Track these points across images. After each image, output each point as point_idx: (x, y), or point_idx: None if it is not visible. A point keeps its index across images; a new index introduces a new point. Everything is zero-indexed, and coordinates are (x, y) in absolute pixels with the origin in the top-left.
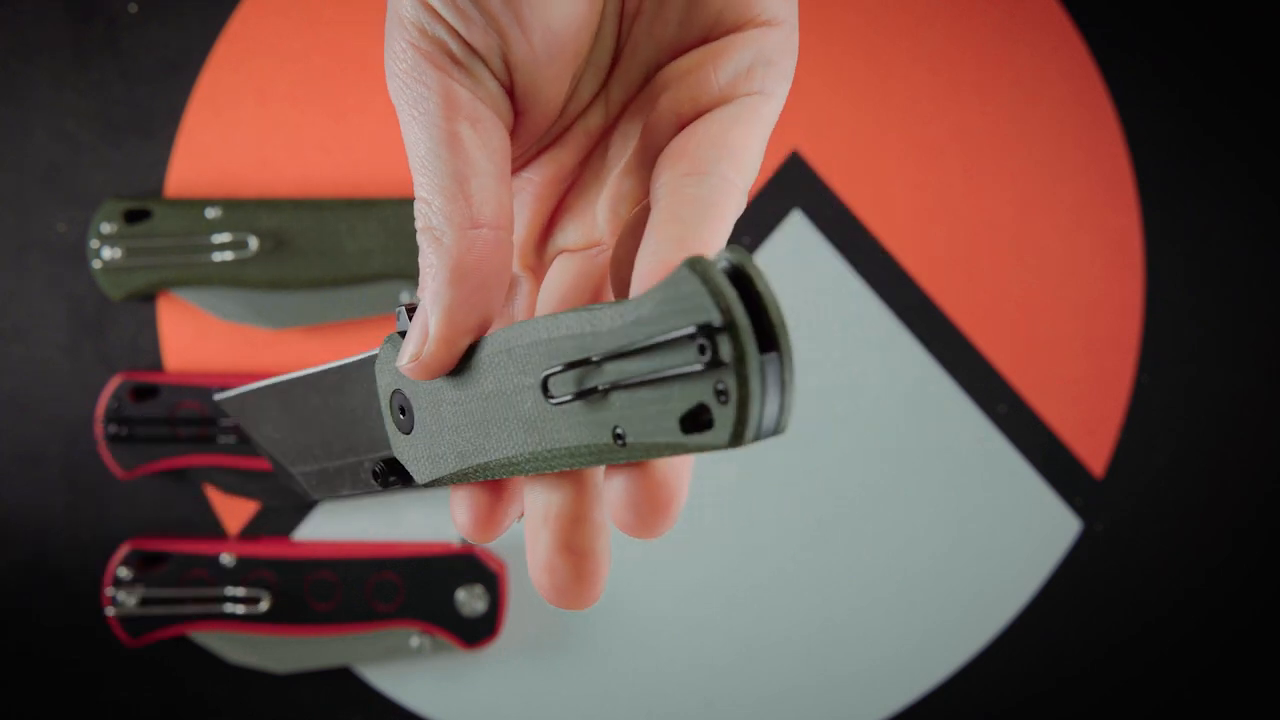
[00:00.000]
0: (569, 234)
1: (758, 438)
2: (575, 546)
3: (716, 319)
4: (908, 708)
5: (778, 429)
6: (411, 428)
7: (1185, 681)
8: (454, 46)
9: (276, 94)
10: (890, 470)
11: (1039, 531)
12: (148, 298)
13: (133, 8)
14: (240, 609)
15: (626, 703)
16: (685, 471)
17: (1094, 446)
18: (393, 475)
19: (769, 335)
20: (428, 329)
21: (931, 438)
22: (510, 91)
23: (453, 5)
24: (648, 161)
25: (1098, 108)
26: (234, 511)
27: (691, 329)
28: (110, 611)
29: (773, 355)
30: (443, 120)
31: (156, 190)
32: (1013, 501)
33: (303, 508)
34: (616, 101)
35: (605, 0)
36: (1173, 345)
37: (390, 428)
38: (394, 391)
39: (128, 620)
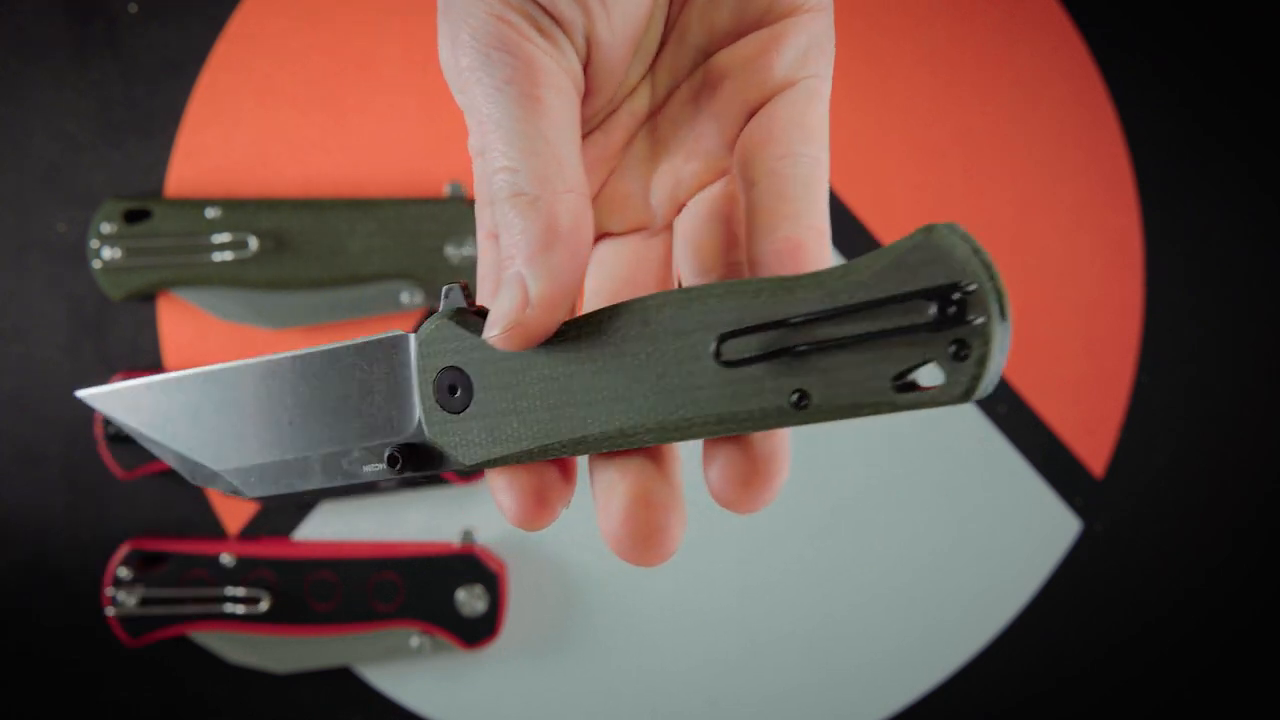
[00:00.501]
0: (613, 218)
1: (982, 396)
2: (655, 501)
3: (968, 281)
4: (908, 707)
5: (991, 391)
6: (465, 407)
7: (1185, 681)
8: (540, 18)
9: (276, 94)
10: (890, 470)
11: (1039, 531)
12: (148, 298)
13: (133, 8)
14: (240, 609)
15: (627, 702)
16: (787, 445)
17: (1094, 446)
18: (412, 461)
19: (1002, 302)
20: (527, 294)
21: (931, 438)
22: (584, 68)
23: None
24: (717, 147)
25: (1098, 108)
26: (234, 511)
27: (931, 290)
28: (110, 611)
29: (1007, 320)
30: (530, 86)
31: (156, 190)
32: (1013, 501)
33: (303, 508)
34: (663, 85)
35: None
36: (1173, 345)
37: (428, 409)
38: (443, 370)
39: (128, 620)
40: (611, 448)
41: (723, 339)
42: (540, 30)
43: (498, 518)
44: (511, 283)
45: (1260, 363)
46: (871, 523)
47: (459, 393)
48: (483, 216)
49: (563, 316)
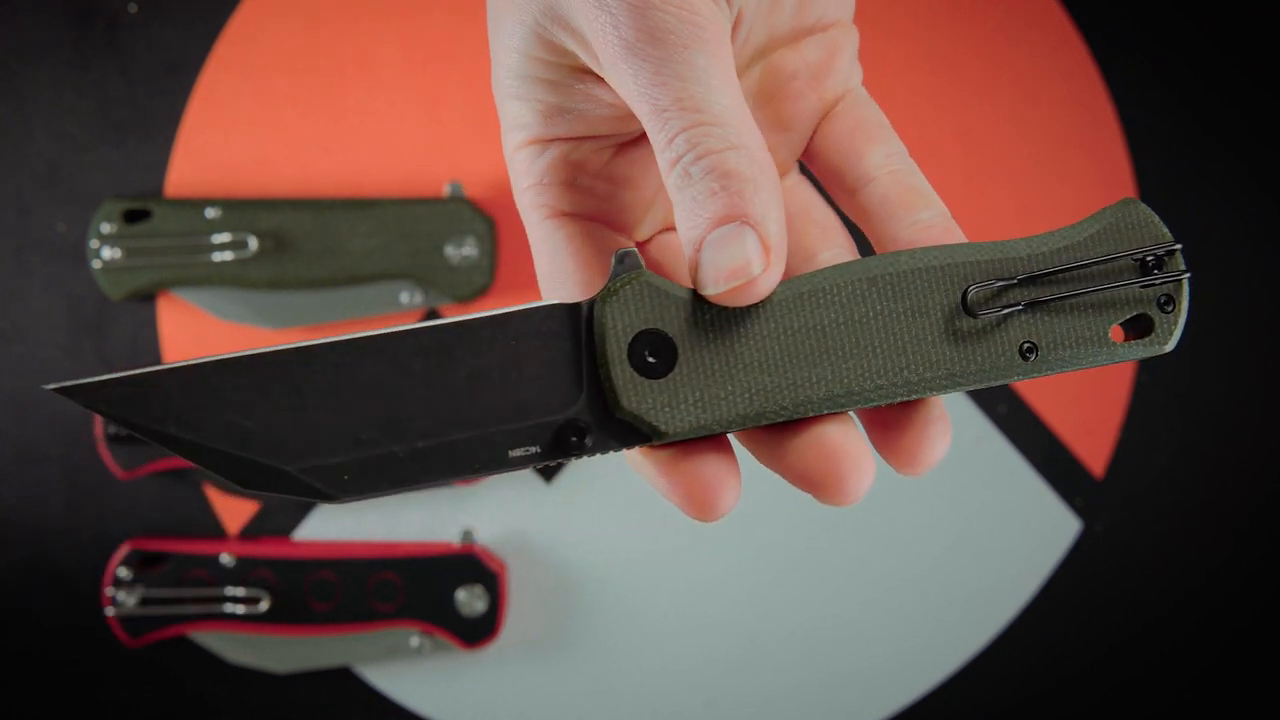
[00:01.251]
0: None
1: (1177, 346)
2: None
3: (1169, 242)
4: (908, 707)
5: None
6: (668, 372)
7: (1185, 681)
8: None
9: (276, 94)
10: (890, 470)
11: (1039, 531)
12: (148, 298)
13: (133, 8)
14: (240, 609)
15: (627, 702)
16: (945, 413)
17: (1094, 446)
18: (599, 437)
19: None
20: (766, 241)
21: None
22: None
23: None
24: (791, 140)
25: (1098, 108)
26: (234, 511)
27: (1143, 251)
28: (110, 611)
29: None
30: (718, 50)
31: (156, 190)
32: (1013, 501)
33: (302, 508)
34: None
35: None
36: None
37: (621, 376)
38: (641, 334)
39: (128, 620)
40: (833, 409)
41: (965, 295)
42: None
43: (498, 518)
44: (737, 235)
45: (1260, 363)
46: (871, 523)
47: (660, 358)
48: (545, 197)
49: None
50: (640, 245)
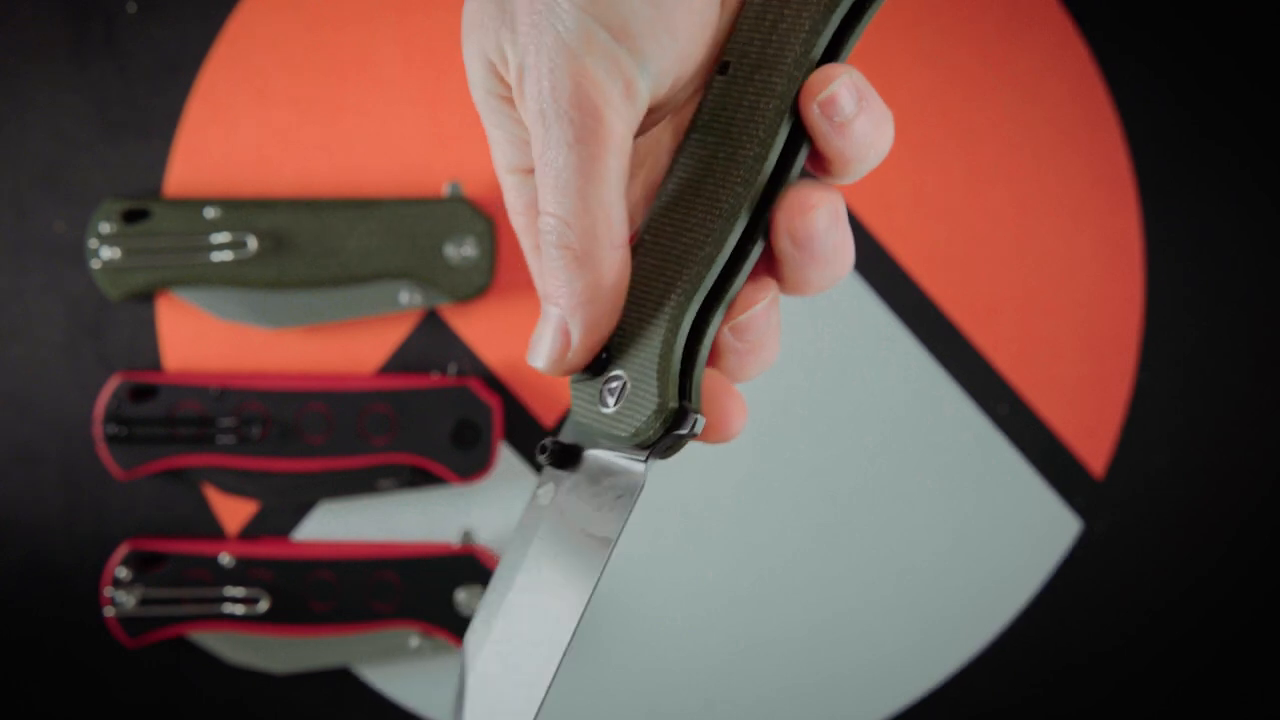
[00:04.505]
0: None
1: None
2: None
3: None
4: (908, 708)
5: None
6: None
7: (1185, 681)
8: (628, 66)
9: (276, 94)
10: (890, 470)
11: (1039, 531)
12: (147, 298)
13: (132, 8)
14: (239, 609)
15: (626, 702)
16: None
17: (1094, 446)
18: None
19: None
20: (570, 340)
21: (931, 438)
22: (652, 107)
23: (631, 42)
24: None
25: (1098, 108)
26: (233, 511)
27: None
28: (109, 612)
29: None
30: (601, 153)
31: (155, 190)
32: (1013, 501)
33: (302, 508)
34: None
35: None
36: (1173, 345)
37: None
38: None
39: (127, 621)
40: None
41: None
42: (625, 87)
43: (498, 518)
44: (556, 326)
45: (1260, 363)
46: (871, 523)
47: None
48: (530, 231)
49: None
50: None
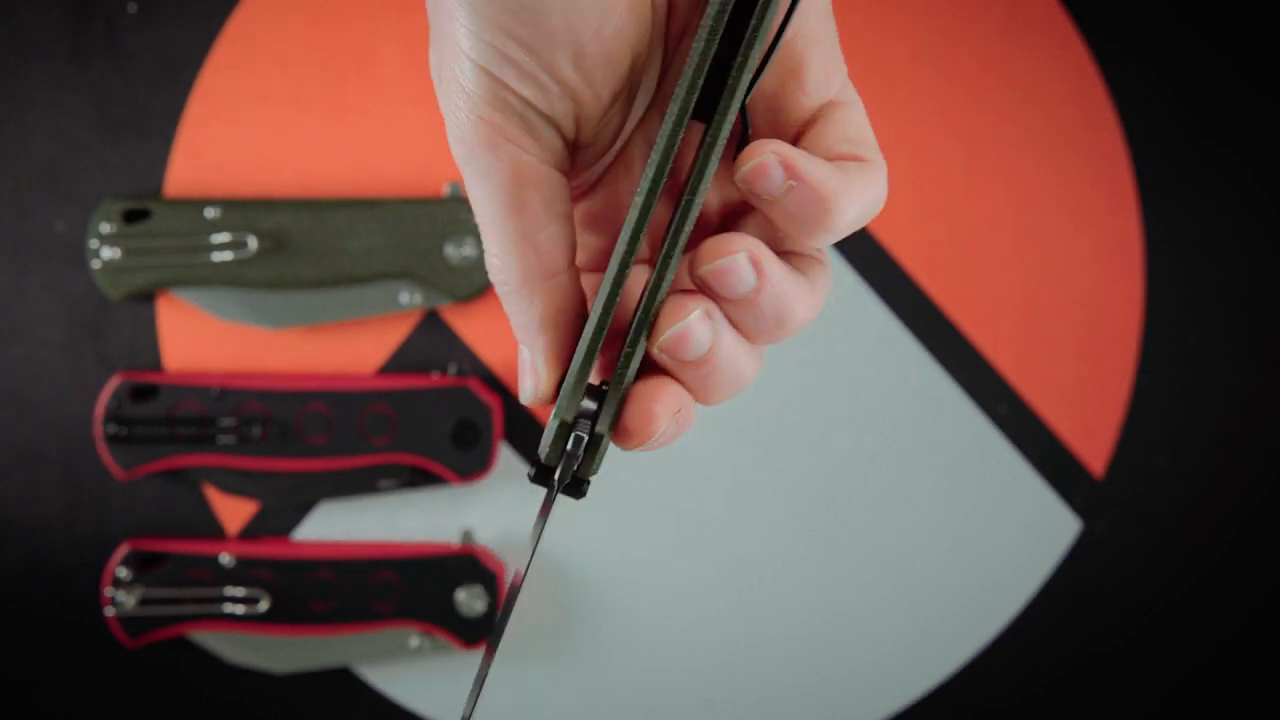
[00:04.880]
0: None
1: None
2: None
3: None
4: (908, 707)
5: None
6: None
7: (1185, 681)
8: (529, 116)
9: (276, 94)
10: (890, 470)
11: (1039, 531)
12: (147, 298)
13: (132, 8)
14: (239, 609)
15: (626, 703)
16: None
17: (1094, 446)
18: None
19: None
20: (538, 373)
21: (931, 438)
22: (575, 142)
23: (527, 77)
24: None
25: (1098, 108)
26: (233, 511)
27: None
28: (109, 612)
29: None
30: (512, 186)
31: (156, 190)
32: (1012, 501)
33: (302, 508)
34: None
35: (653, 33)
36: (1173, 345)
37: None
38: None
39: (127, 621)
40: None
41: None
42: (525, 126)
43: (498, 518)
44: (523, 358)
45: (1260, 363)
46: (870, 523)
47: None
48: None
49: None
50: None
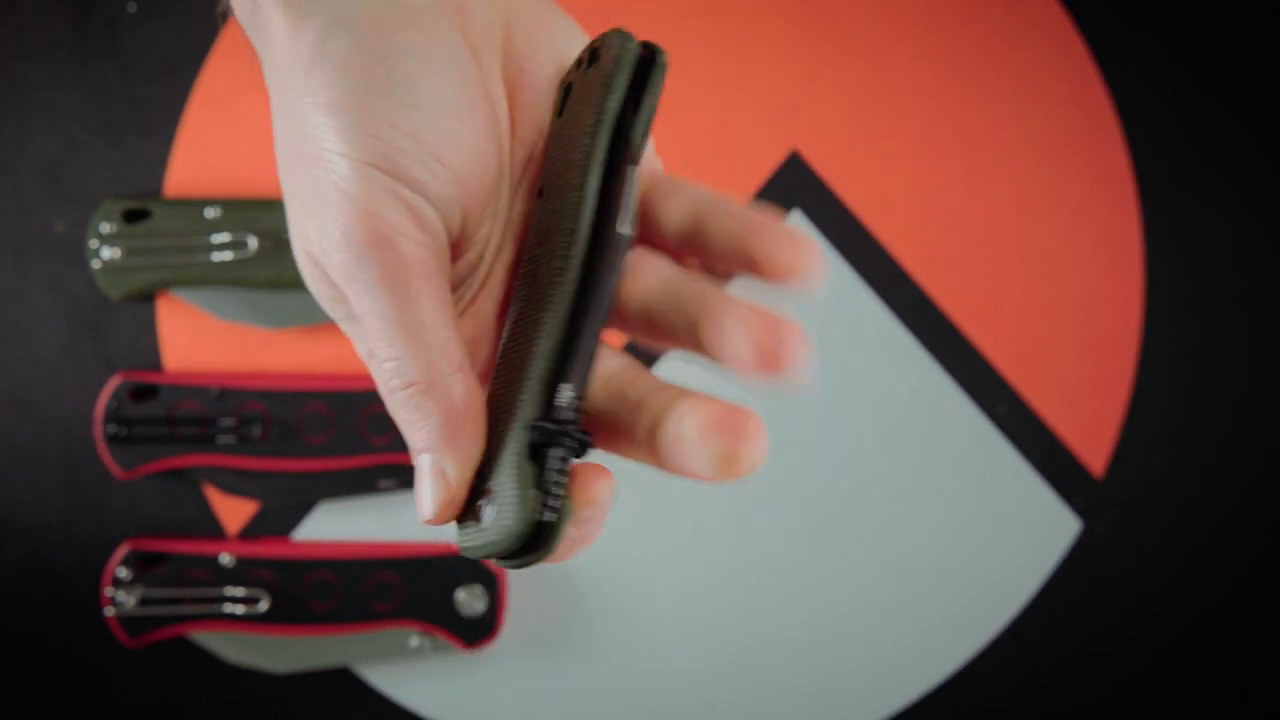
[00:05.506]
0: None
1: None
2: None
3: None
4: (908, 707)
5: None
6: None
7: (1185, 681)
8: (418, 205)
9: None
10: (890, 470)
11: (1038, 531)
12: (147, 298)
13: (132, 8)
14: (240, 609)
15: (626, 703)
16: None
17: (1094, 446)
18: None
19: None
20: (448, 480)
21: (931, 438)
22: (456, 240)
23: (418, 162)
24: None
25: (1098, 108)
26: (233, 511)
27: None
28: (109, 612)
29: None
30: (405, 278)
31: (156, 190)
32: (1012, 501)
33: (302, 508)
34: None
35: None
36: (1173, 345)
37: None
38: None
39: (127, 620)
40: None
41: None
42: (414, 217)
43: None
44: (431, 473)
45: (1260, 363)
46: (870, 523)
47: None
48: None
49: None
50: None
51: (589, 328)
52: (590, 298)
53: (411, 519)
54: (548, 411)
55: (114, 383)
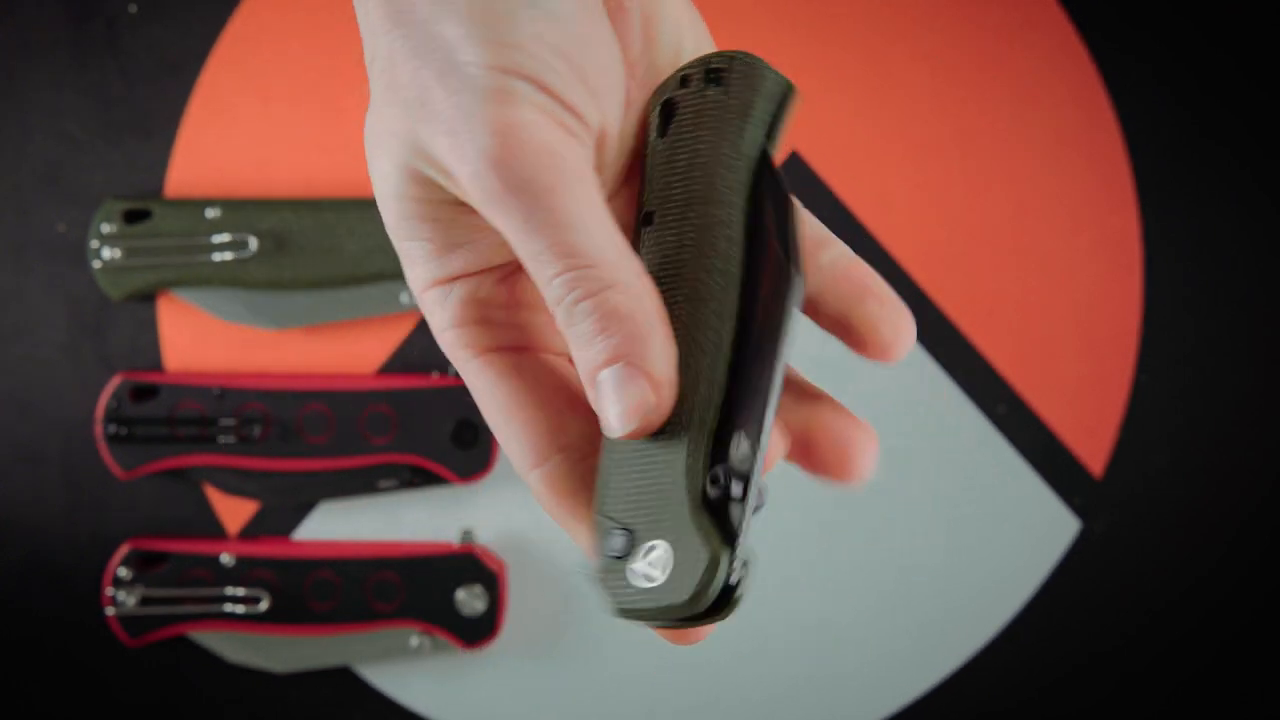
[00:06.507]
0: None
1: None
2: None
3: None
4: (907, 707)
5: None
6: None
7: (1185, 681)
8: (563, 121)
9: (276, 94)
10: (889, 470)
11: (1038, 531)
12: (148, 298)
13: (133, 8)
14: (240, 609)
15: (626, 703)
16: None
17: (1093, 446)
18: None
19: None
20: (654, 377)
21: (931, 437)
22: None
23: (562, 80)
24: None
25: (1097, 108)
26: (234, 511)
27: None
28: (110, 611)
29: None
30: (577, 194)
31: (156, 190)
32: (1012, 501)
33: (303, 508)
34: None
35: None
36: (1173, 345)
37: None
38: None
39: (128, 620)
40: None
41: None
42: (565, 129)
43: (498, 518)
44: (628, 381)
45: (1260, 363)
46: (870, 522)
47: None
48: (465, 338)
49: None
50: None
51: (768, 375)
52: (769, 344)
53: (412, 519)
54: (723, 459)
55: (114, 383)
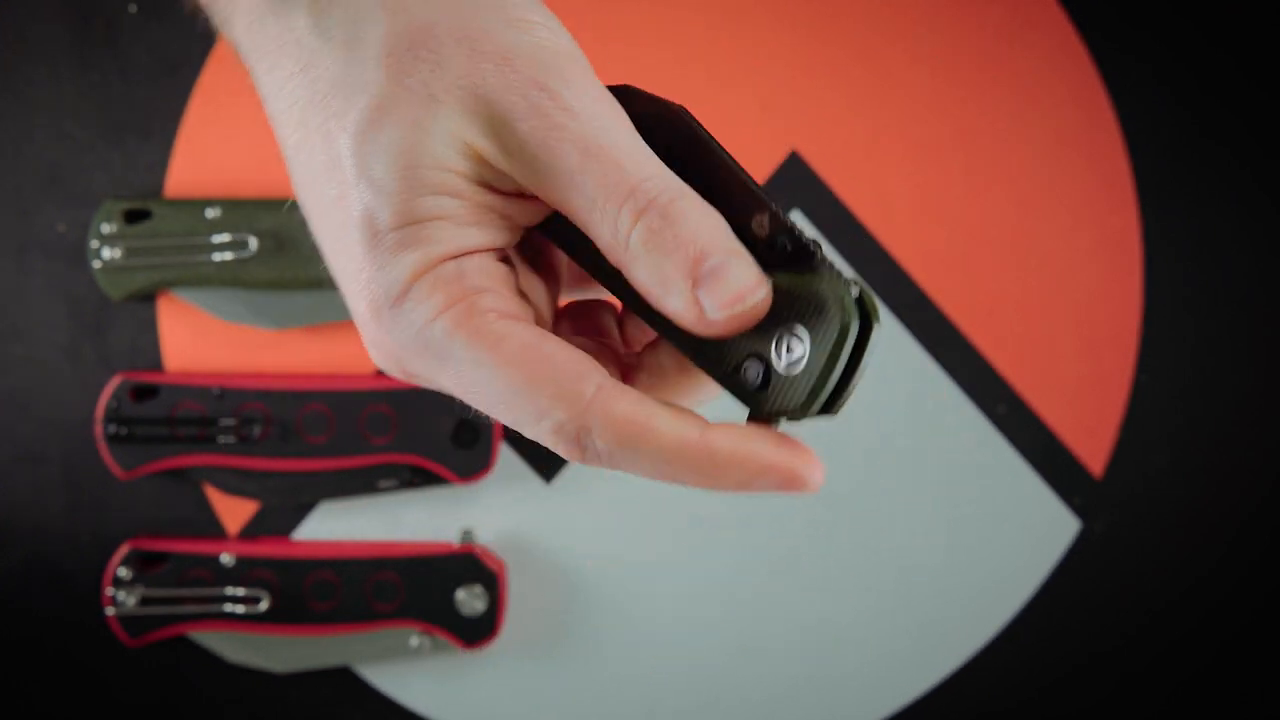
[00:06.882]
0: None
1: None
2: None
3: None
4: (907, 707)
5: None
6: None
7: (1185, 681)
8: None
9: None
10: (889, 470)
11: (1038, 531)
12: (148, 298)
13: (133, 8)
14: (240, 609)
15: (626, 703)
16: None
17: (1093, 446)
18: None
19: None
20: (745, 257)
21: (930, 437)
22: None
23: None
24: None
25: (1097, 108)
26: (234, 511)
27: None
28: (110, 611)
29: None
30: (600, 116)
31: (156, 190)
32: (1011, 501)
33: (303, 508)
34: None
35: None
36: (1173, 345)
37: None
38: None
39: (128, 620)
40: None
41: None
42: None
43: (498, 518)
44: (735, 262)
45: (1260, 363)
46: (869, 522)
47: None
48: (490, 302)
49: None
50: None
51: (734, 175)
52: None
53: (412, 519)
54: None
55: (114, 383)
